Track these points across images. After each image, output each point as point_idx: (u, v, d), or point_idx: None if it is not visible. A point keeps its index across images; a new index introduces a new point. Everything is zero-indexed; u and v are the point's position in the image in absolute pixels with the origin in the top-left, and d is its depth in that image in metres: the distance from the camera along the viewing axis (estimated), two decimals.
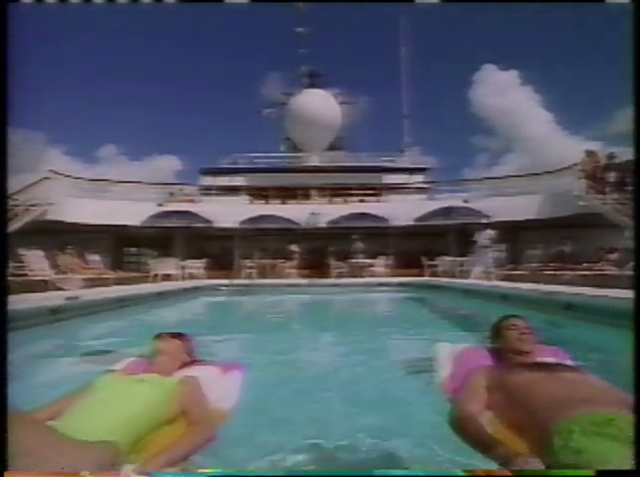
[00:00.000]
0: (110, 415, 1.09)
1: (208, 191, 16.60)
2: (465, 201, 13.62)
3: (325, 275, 12.15)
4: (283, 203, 15.54)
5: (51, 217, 11.19)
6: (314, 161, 18.86)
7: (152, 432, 1.14)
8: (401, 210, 13.80)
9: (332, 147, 19.77)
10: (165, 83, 44.05)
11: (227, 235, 13.88)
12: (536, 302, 5.51)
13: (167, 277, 10.94)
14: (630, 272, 6.30)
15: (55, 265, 8.43)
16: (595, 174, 10.90)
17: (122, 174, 37.48)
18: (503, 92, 33.33)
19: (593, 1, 1.58)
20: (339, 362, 3.38)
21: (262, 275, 12.12)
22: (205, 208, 14.11)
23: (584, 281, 6.70)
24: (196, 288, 9.93)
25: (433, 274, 11.17)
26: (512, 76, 33.77)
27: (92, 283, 7.92)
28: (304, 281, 11.17)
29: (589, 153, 11.59)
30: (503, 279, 8.96)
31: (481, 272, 9.83)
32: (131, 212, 13.09)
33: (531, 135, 34.59)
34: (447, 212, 13.05)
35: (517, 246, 13.21)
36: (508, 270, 10.30)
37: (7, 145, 1.02)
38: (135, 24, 29.98)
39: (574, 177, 11.41)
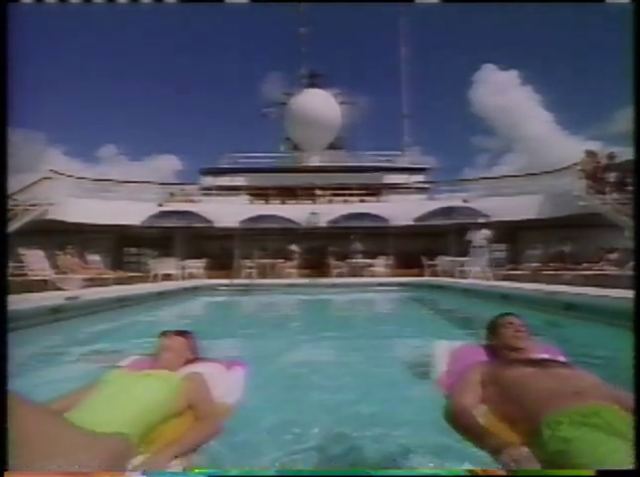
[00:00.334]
0: (120, 409, 1.13)
1: (208, 191, 16.61)
2: (465, 201, 13.62)
3: (325, 275, 12.15)
4: (283, 203, 15.55)
5: (51, 217, 11.19)
6: (314, 161, 18.85)
7: (160, 425, 1.17)
8: (401, 210, 13.80)
9: (332, 147, 19.76)
10: (165, 83, 44.15)
11: (227, 234, 13.88)
12: (536, 302, 5.52)
13: (167, 277, 10.94)
14: (630, 272, 6.30)
15: (55, 265, 8.43)
16: (595, 174, 10.90)
17: (122, 174, 37.55)
18: (503, 92, 33.35)
19: (593, 1, 1.58)
20: (339, 361, 3.38)
21: (262, 275, 12.12)
22: (205, 208, 14.11)
23: (584, 281, 6.70)
24: (196, 288, 9.93)
25: (433, 274, 11.16)
26: (512, 75, 33.79)
27: (92, 283, 7.92)
28: (304, 281, 11.17)
29: (589, 153, 11.59)
30: (503, 279, 8.96)
31: (478, 272, 9.85)
32: (131, 212, 13.09)
33: (531, 135, 34.60)
34: (447, 212, 13.05)
35: (517, 246, 13.22)
36: (508, 270, 10.30)
37: (7, 145, 1.02)
38: (135, 24, 29.98)
39: (574, 177, 11.42)
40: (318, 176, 16.60)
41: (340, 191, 15.85)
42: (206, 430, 1.21)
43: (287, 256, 12.86)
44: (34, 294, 5.50)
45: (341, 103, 19.74)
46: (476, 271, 9.91)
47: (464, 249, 10.81)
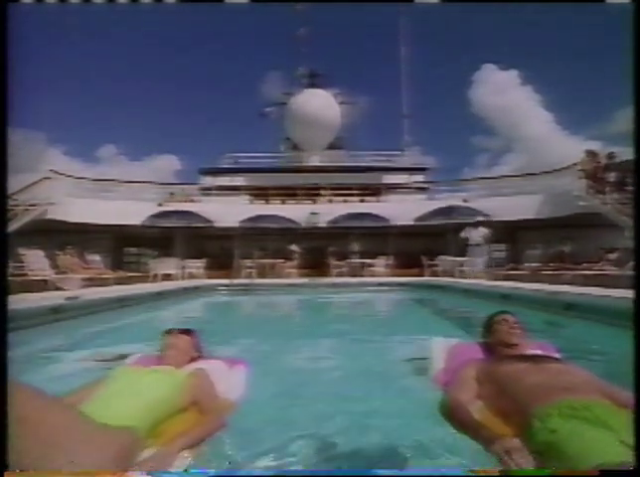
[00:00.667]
0: (128, 404, 1.15)
1: (208, 191, 16.61)
2: (465, 200, 13.62)
3: (325, 275, 12.15)
4: (283, 203, 15.54)
5: (51, 217, 11.20)
6: (314, 161, 18.85)
7: (166, 420, 1.21)
8: (401, 210, 13.81)
9: (332, 147, 19.75)
10: (165, 83, 44.10)
11: (227, 234, 13.89)
12: (536, 302, 5.52)
13: (167, 277, 10.94)
14: (630, 272, 6.30)
15: (55, 265, 8.43)
16: (595, 174, 10.90)
17: (122, 174, 37.58)
18: (503, 92, 33.37)
19: (593, 1, 1.58)
20: (339, 361, 3.38)
21: (262, 275, 12.13)
22: (205, 208, 14.12)
23: (584, 281, 6.70)
24: (196, 288, 9.93)
25: (433, 274, 11.17)
26: (512, 75, 33.81)
27: (92, 283, 7.92)
28: (304, 281, 11.17)
29: (589, 153, 11.59)
30: (503, 279, 8.96)
31: (478, 272, 9.85)
32: (131, 212, 13.10)
33: (531, 135, 34.63)
34: (447, 211, 13.05)
35: (517, 246, 13.23)
36: (508, 270, 10.30)
37: (7, 145, 1.02)
38: (135, 24, 29.97)
39: (574, 177, 11.42)
40: (318, 176, 16.60)
41: (340, 191, 15.85)
42: (211, 425, 1.24)
43: (287, 256, 12.86)
44: (34, 294, 5.50)
45: (341, 103, 19.75)
46: (475, 271, 9.91)
47: (464, 249, 10.82)
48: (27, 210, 10.70)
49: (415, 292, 9.52)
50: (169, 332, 1.58)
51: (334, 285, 10.79)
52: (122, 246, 15.13)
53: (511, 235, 13.32)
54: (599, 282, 6.01)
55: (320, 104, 19.03)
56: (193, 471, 1.07)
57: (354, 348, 3.93)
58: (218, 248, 14.52)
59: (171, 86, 44.75)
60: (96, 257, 10.76)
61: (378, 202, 15.64)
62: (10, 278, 6.17)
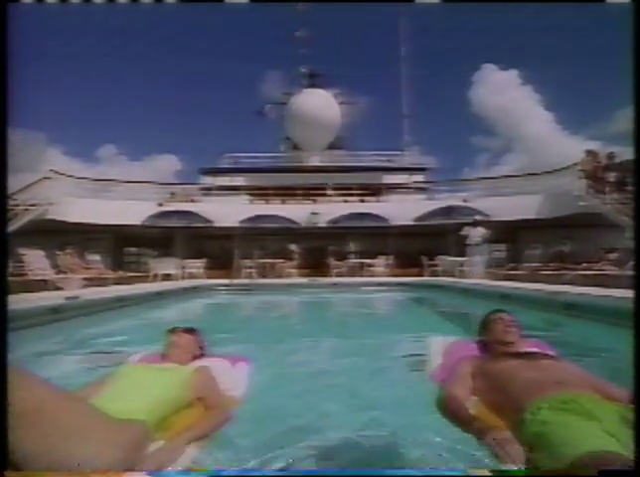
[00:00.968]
0: (135, 400, 1.19)
1: (208, 191, 16.61)
2: (465, 201, 13.62)
3: (325, 275, 12.15)
4: (283, 203, 15.54)
5: (51, 217, 11.19)
6: (314, 161, 18.85)
7: (173, 415, 1.25)
8: (401, 210, 13.81)
9: (332, 147, 19.75)
10: (165, 83, 44.02)
11: (227, 234, 13.89)
12: (536, 302, 5.52)
13: (167, 277, 10.94)
14: (630, 272, 6.30)
15: (55, 265, 8.43)
16: (595, 174, 10.90)
17: (122, 174, 37.59)
18: (503, 92, 33.36)
19: (593, 1, 1.58)
20: (338, 360, 3.38)
21: (262, 275, 12.13)
22: (205, 208, 14.12)
23: (584, 281, 6.70)
24: (196, 288, 9.93)
25: (433, 274, 11.17)
26: (512, 75, 33.80)
27: (92, 283, 7.92)
28: (304, 281, 11.17)
29: (589, 153, 11.59)
30: (503, 279, 8.96)
31: (476, 272, 9.85)
32: (131, 212, 13.09)
33: (531, 135, 34.62)
34: (447, 211, 13.05)
35: (517, 246, 13.22)
36: (508, 270, 10.30)
37: (7, 145, 1.02)
38: (135, 24, 29.96)
39: (574, 177, 11.41)
40: (318, 176, 16.61)
41: (344, 191, 15.86)
42: (216, 419, 1.29)
43: (287, 256, 12.86)
44: (34, 294, 5.50)
45: (341, 103, 19.74)
46: (475, 271, 9.91)
47: (464, 249, 10.82)
48: (27, 210, 10.70)
49: (415, 292, 9.51)
50: (172, 331, 1.61)
51: (334, 285, 10.79)
52: (122, 246, 15.12)
53: (511, 235, 13.31)
54: (599, 282, 6.02)
55: (320, 104, 19.02)
56: (195, 471, 1.07)
57: (354, 347, 3.93)
58: (218, 248, 14.52)
59: (171, 86, 44.64)
60: (96, 257, 10.76)
61: (378, 202, 15.64)
62: (10, 278, 6.18)
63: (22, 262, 7.83)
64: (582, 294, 4.90)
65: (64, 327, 4.78)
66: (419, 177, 17.73)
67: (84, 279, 7.86)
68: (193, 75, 42.27)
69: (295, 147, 19.93)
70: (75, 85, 39.55)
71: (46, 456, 0.80)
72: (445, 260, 11.28)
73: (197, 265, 11.97)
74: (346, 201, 15.40)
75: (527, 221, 12.49)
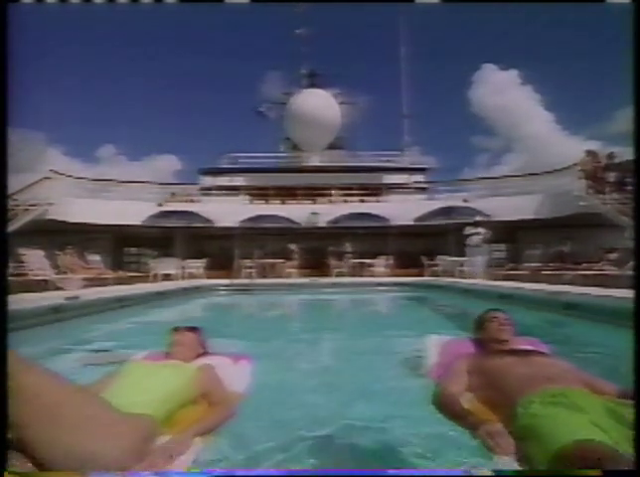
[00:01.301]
0: (142, 395, 1.21)
1: (208, 191, 16.61)
2: (465, 201, 13.62)
3: (325, 275, 12.15)
4: (283, 203, 15.54)
5: (51, 217, 11.19)
6: (314, 161, 18.84)
7: (178, 411, 1.28)
8: (401, 210, 13.80)
9: (332, 147, 19.74)
10: (165, 83, 44.04)
11: (227, 234, 13.89)
12: (536, 302, 5.52)
13: (167, 277, 10.94)
14: (630, 272, 6.30)
15: (55, 265, 8.43)
16: (595, 174, 10.90)
17: (122, 174, 37.55)
18: (503, 92, 33.37)
19: (593, 1, 1.58)
20: (338, 360, 3.38)
21: (262, 275, 12.13)
22: (205, 208, 14.12)
23: (584, 281, 6.70)
24: (196, 288, 9.93)
25: (433, 274, 11.17)
26: (512, 75, 33.82)
27: (93, 283, 7.92)
28: (304, 281, 11.17)
29: (589, 153, 11.59)
30: (503, 279, 8.96)
31: (477, 272, 9.85)
32: (131, 212, 13.09)
33: (531, 135, 34.64)
34: (447, 211, 13.05)
35: (517, 246, 13.22)
36: (508, 270, 10.30)
37: (7, 145, 1.02)
38: (135, 24, 29.97)
39: (574, 177, 11.41)
40: (318, 176, 16.60)
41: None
42: (220, 415, 1.32)
43: (287, 256, 12.86)
44: (34, 294, 5.50)
45: (341, 103, 19.72)
46: (476, 271, 9.91)
47: (464, 249, 10.81)
48: (27, 210, 10.70)
49: (415, 292, 9.51)
50: (176, 329, 1.65)
51: (334, 285, 10.79)
52: (122, 246, 15.12)
53: (511, 235, 13.31)
54: (599, 282, 6.01)
55: (320, 104, 19.01)
56: (194, 471, 1.07)
57: (353, 346, 3.93)
58: (218, 248, 14.51)
59: (171, 86, 44.67)
60: (96, 257, 10.76)
61: (378, 202, 15.64)
62: (10, 278, 6.18)
63: (22, 262, 7.82)
64: (582, 294, 4.90)
65: (64, 327, 4.78)
66: (419, 177, 17.72)
67: (84, 279, 7.86)
68: (193, 75, 42.36)
69: (295, 147, 19.92)
70: (75, 85, 39.64)
71: (63, 447, 0.84)
72: (445, 260, 11.28)
73: (197, 265, 11.97)
74: (346, 201, 15.41)
75: (527, 221, 12.49)
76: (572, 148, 21.42)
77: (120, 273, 10.50)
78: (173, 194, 15.40)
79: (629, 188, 9.50)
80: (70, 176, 13.50)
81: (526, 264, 10.26)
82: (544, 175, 13.49)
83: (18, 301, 4.38)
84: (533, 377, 1.20)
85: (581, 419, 0.95)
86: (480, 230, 10.53)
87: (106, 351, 3.62)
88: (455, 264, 10.70)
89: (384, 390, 2.49)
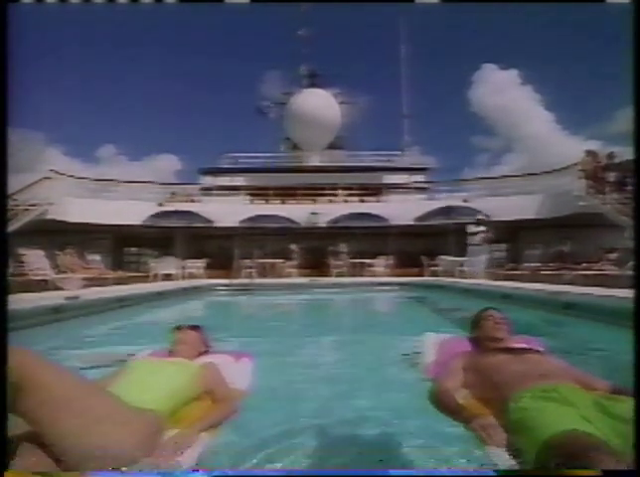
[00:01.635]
0: (148, 392, 1.23)
1: (208, 191, 16.60)
2: (465, 201, 13.62)
3: (325, 275, 12.15)
4: (283, 203, 15.54)
5: (51, 217, 11.19)
6: (314, 161, 18.84)
7: (183, 407, 1.31)
8: (401, 210, 13.80)
9: (332, 147, 19.74)
10: (165, 83, 44.01)
11: (227, 234, 13.89)
12: (536, 302, 5.52)
13: (167, 277, 10.94)
14: (630, 272, 6.30)
15: (55, 265, 8.43)
16: (595, 174, 10.89)
17: (122, 174, 37.46)
18: (503, 92, 33.36)
19: (593, 1, 1.58)
20: (339, 360, 3.38)
21: (262, 275, 12.12)
22: (205, 208, 14.12)
23: (584, 281, 6.70)
24: (196, 288, 9.93)
25: (433, 274, 11.16)
26: (512, 75, 33.80)
27: (92, 283, 7.92)
28: (304, 281, 11.16)
29: (589, 153, 11.58)
30: (503, 279, 8.95)
31: (477, 272, 9.85)
32: (132, 212, 13.09)
33: (531, 135, 34.62)
34: (447, 211, 13.04)
35: (517, 246, 13.21)
36: (508, 270, 10.30)
37: (7, 145, 1.03)
38: (135, 24, 29.96)
39: (574, 177, 11.41)
40: (318, 176, 16.60)
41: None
42: (224, 411, 1.35)
43: (287, 256, 12.86)
44: (34, 294, 5.50)
45: (341, 103, 19.72)
46: (476, 271, 9.91)
47: (464, 249, 10.81)
48: (27, 210, 10.69)
49: (415, 292, 9.51)
50: (178, 328, 1.68)
51: (334, 285, 10.79)
52: (122, 246, 15.12)
53: (511, 235, 13.30)
54: (599, 282, 6.02)
55: (320, 104, 19.01)
56: (196, 471, 1.07)
57: (353, 345, 3.94)
58: (218, 248, 14.51)
59: (171, 86, 44.64)
60: (96, 257, 10.76)
61: (378, 202, 15.64)
62: (10, 278, 6.18)
63: (22, 262, 7.82)
64: (582, 294, 4.90)
65: (64, 327, 4.78)
66: (419, 177, 17.71)
67: (84, 279, 7.86)
68: (193, 75, 42.31)
69: (295, 147, 19.92)
70: (75, 85, 39.56)
71: (75, 441, 0.88)
72: (445, 260, 11.28)
73: (197, 265, 11.97)
74: (346, 201, 15.40)
75: (527, 221, 12.48)
76: (572, 148, 21.43)
77: (120, 273, 10.50)
78: (173, 194, 15.39)
79: (629, 188, 9.50)
80: (70, 176, 13.49)
81: (526, 264, 10.26)
82: (543, 175, 13.48)
83: (18, 301, 4.38)
84: (526, 373, 1.23)
85: (570, 412, 0.98)
86: (482, 228, 10.53)
87: (106, 351, 3.62)
88: (455, 264, 10.70)
89: (382, 387, 2.51)
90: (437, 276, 10.77)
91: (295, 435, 1.79)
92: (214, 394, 1.40)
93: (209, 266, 12.23)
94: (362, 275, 12.22)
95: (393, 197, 16.29)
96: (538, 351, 1.50)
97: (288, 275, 12.23)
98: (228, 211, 13.88)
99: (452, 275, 10.35)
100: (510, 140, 43.26)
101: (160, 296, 8.14)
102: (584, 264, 8.40)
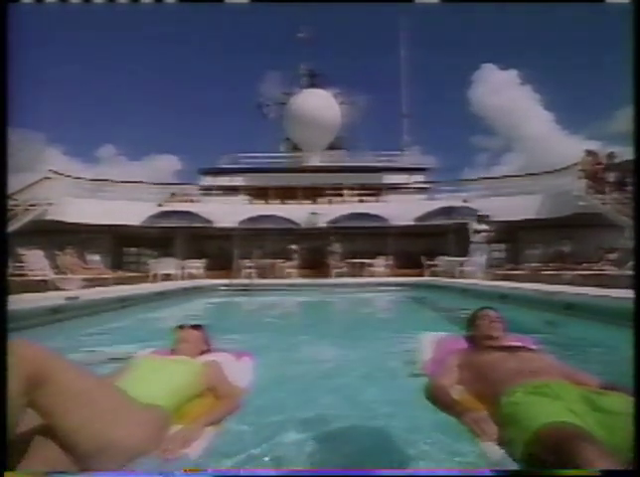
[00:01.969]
0: (153, 388, 1.26)
1: (207, 191, 16.60)
2: (465, 201, 13.61)
3: (325, 275, 12.15)
4: (283, 203, 15.54)
5: (51, 217, 11.19)
6: (314, 161, 18.84)
7: (186, 404, 1.34)
8: (401, 210, 13.80)
9: (332, 147, 19.73)
10: (165, 83, 44.04)
11: (226, 234, 13.89)
12: (535, 302, 5.52)
13: (167, 277, 10.94)
14: (630, 272, 6.30)
15: (55, 265, 8.42)
16: (595, 174, 10.90)
17: (122, 174, 37.54)
18: (503, 92, 33.38)
19: (593, 1, 1.58)
20: (338, 360, 3.38)
21: (262, 275, 12.12)
22: (204, 208, 14.12)
23: (584, 281, 6.70)
24: (195, 288, 9.92)
25: (433, 274, 11.16)
26: (511, 75, 33.85)
27: (92, 283, 7.92)
28: (304, 281, 11.16)
29: (589, 153, 11.58)
30: (502, 279, 8.95)
31: (477, 272, 9.84)
32: (131, 212, 13.09)
33: (531, 135, 34.67)
34: (447, 211, 13.04)
35: (517, 246, 13.22)
36: (507, 270, 10.30)
37: (7, 145, 1.03)
38: (135, 24, 29.97)
39: (574, 177, 11.41)
40: (318, 176, 16.59)
41: (339, 191, 15.85)
42: (227, 407, 1.38)
43: (287, 256, 12.86)
44: (34, 294, 5.49)
45: (341, 103, 19.71)
46: (476, 271, 9.91)
47: (464, 249, 10.81)
48: (27, 210, 10.69)
49: (415, 292, 9.51)
50: (180, 327, 1.71)
51: (334, 285, 10.79)
52: (122, 246, 15.12)
53: (511, 235, 13.30)
54: (599, 282, 6.01)
55: (320, 104, 19.00)
56: (197, 472, 1.07)
57: (353, 345, 3.94)
58: (217, 249, 14.51)
59: (171, 86, 44.72)
60: (96, 257, 10.76)
61: (378, 202, 15.64)
62: (10, 278, 6.17)
63: (22, 262, 7.82)
64: (582, 294, 4.90)
65: (64, 327, 4.78)
66: (419, 177, 17.71)
67: (84, 279, 7.86)
68: (193, 75, 42.35)
69: (295, 147, 19.91)
70: (74, 85, 39.60)
71: (87, 434, 0.91)
72: (445, 260, 11.28)
73: (197, 265, 11.97)
74: (345, 201, 15.40)
75: (527, 221, 12.48)
76: (572, 148, 21.41)
77: (120, 273, 10.50)
78: (173, 194, 15.39)
79: (629, 188, 9.50)
80: (69, 176, 13.49)
81: (526, 264, 10.26)
82: (544, 175, 13.49)
83: (18, 301, 4.38)
84: (519, 370, 1.27)
85: (558, 406, 1.02)
86: (486, 226, 10.52)
87: (106, 351, 3.62)
88: (455, 264, 10.70)
89: (381, 384, 2.54)
90: (437, 276, 10.77)
91: (291, 432, 1.81)
92: (216, 390, 1.43)
93: (208, 267, 12.23)
94: (362, 275, 12.22)
95: (393, 197, 16.29)
96: (531, 349, 1.54)
97: (288, 276, 12.22)
98: (227, 211, 13.87)
99: (452, 275, 10.35)
100: (510, 140, 43.36)
101: (160, 296, 8.14)
102: (584, 264, 8.40)
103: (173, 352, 1.62)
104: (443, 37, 36.68)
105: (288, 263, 12.65)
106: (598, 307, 4.27)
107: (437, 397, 1.34)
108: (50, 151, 25.96)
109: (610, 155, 10.99)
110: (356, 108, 20.30)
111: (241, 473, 1.52)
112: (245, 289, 10.44)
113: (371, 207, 14.41)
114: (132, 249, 15.56)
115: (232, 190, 16.61)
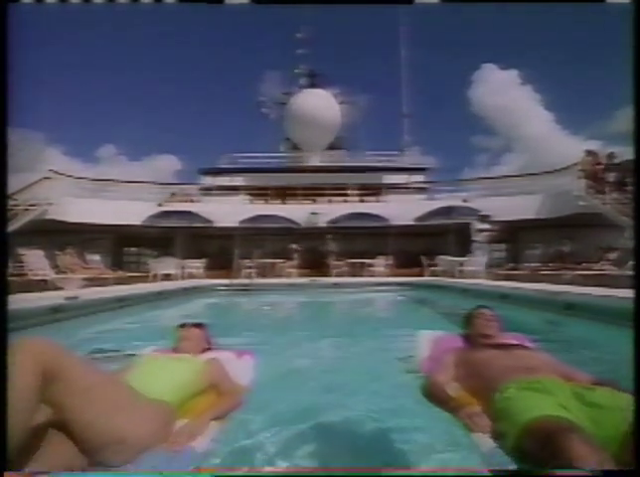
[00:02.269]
0: (157, 384, 1.28)
1: (207, 191, 16.60)
2: (465, 201, 13.61)
3: (325, 275, 12.15)
4: (283, 203, 15.53)
5: (51, 217, 11.19)
6: (314, 161, 18.84)
7: (190, 401, 1.37)
8: (401, 210, 13.80)
9: (332, 147, 19.74)
10: (165, 83, 44.03)
11: (226, 234, 13.89)
12: (535, 302, 5.52)
13: (167, 277, 10.94)
14: (630, 272, 6.31)
15: (55, 265, 8.43)
16: (595, 174, 10.90)
17: (122, 174, 37.46)
18: (503, 92, 33.37)
19: (593, 1, 1.58)
20: (338, 360, 3.39)
21: (262, 275, 12.12)
22: (205, 208, 14.12)
23: (584, 281, 6.70)
24: (195, 288, 9.92)
25: (433, 274, 11.16)
26: (512, 75, 33.84)
27: (92, 283, 7.92)
28: (304, 281, 11.16)
29: (589, 153, 11.59)
30: (503, 279, 8.95)
31: (477, 272, 9.85)
32: (131, 212, 13.09)
33: (531, 135, 34.66)
34: (447, 211, 13.04)
35: (517, 246, 13.23)
36: (508, 270, 10.30)
37: (7, 145, 1.03)
38: (135, 24, 29.93)
39: (574, 177, 11.41)
40: (318, 176, 16.59)
41: (340, 191, 15.86)
42: (229, 404, 1.41)
43: (287, 256, 12.86)
44: (34, 294, 5.49)
45: (341, 103, 19.72)
46: (476, 271, 9.91)
47: (464, 249, 10.81)
48: (27, 210, 10.70)
49: (415, 292, 9.51)
50: (182, 326, 1.73)
51: (334, 285, 10.78)
52: (122, 246, 15.13)
53: (511, 235, 13.31)
54: (599, 282, 6.02)
55: (320, 104, 19.01)
56: (197, 472, 1.08)
57: (352, 344, 3.94)
58: (217, 248, 14.51)
59: (171, 86, 44.70)
60: (96, 257, 10.77)
61: (378, 202, 15.63)
62: (10, 278, 6.17)
63: (22, 262, 7.83)
64: (582, 294, 4.89)
65: (64, 327, 4.78)
66: (419, 177, 17.71)
67: (84, 279, 7.86)
68: (193, 75, 42.33)
69: (295, 147, 19.92)
70: (74, 85, 39.56)
71: (96, 428, 0.93)
72: (445, 260, 11.28)
73: (197, 265, 11.97)
74: (345, 201, 15.40)
75: (527, 221, 12.48)
76: (572, 148, 21.42)
77: (120, 273, 10.50)
78: (173, 194, 15.39)
79: (629, 188, 9.50)
80: (69, 176, 13.50)
81: (526, 264, 10.26)
82: (544, 175, 13.49)
83: (18, 301, 4.38)
84: (514, 368, 1.30)
85: (549, 400, 1.05)
86: (488, 225, 10.53)
87: (106, 351, 3.62)
88: (455, 264, 10.69)
89: (380, 383, 2.54)
90: (437, 276, 10.77)
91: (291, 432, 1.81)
92: (219, 387, 1.45)
93: (209, 266, 12.23)
94: (362, 275, 12.22)
95: (392, 197, 16.29)
96: (526, 347, 1.57)
97: (288, 275, 12.22)
98: (227, 211, 13.87)
99: (452, 275, 10.35)
100: (510, 140, 43.33)
101: (160, 296, 8.13)
102: (584, 264, 8.41)
103: (175, 350, 1.64)
104: (443, 37, 36.58)
105: (288, 263, 12.65)
106: (599, 307, 4.27)
107: (433, 394, 1.37)
108: (50, 151, 25.97)
109: (610, 155, 11.00)
110: (356, 108, 20.30)
111: (242, 473, 1.53)
112: (246, 289, 10.44)
113: (371, 207, 14.41)
114: (132, 249, 15.57)
115: (232, 190, 16.60)
